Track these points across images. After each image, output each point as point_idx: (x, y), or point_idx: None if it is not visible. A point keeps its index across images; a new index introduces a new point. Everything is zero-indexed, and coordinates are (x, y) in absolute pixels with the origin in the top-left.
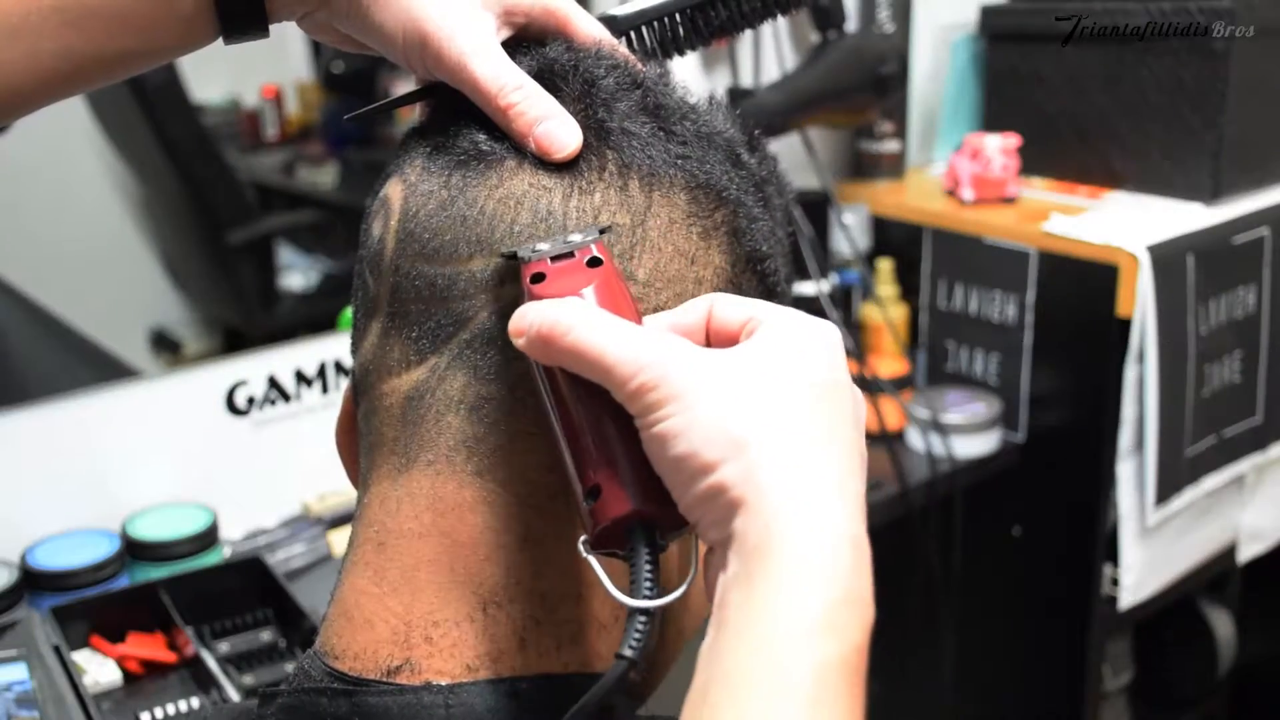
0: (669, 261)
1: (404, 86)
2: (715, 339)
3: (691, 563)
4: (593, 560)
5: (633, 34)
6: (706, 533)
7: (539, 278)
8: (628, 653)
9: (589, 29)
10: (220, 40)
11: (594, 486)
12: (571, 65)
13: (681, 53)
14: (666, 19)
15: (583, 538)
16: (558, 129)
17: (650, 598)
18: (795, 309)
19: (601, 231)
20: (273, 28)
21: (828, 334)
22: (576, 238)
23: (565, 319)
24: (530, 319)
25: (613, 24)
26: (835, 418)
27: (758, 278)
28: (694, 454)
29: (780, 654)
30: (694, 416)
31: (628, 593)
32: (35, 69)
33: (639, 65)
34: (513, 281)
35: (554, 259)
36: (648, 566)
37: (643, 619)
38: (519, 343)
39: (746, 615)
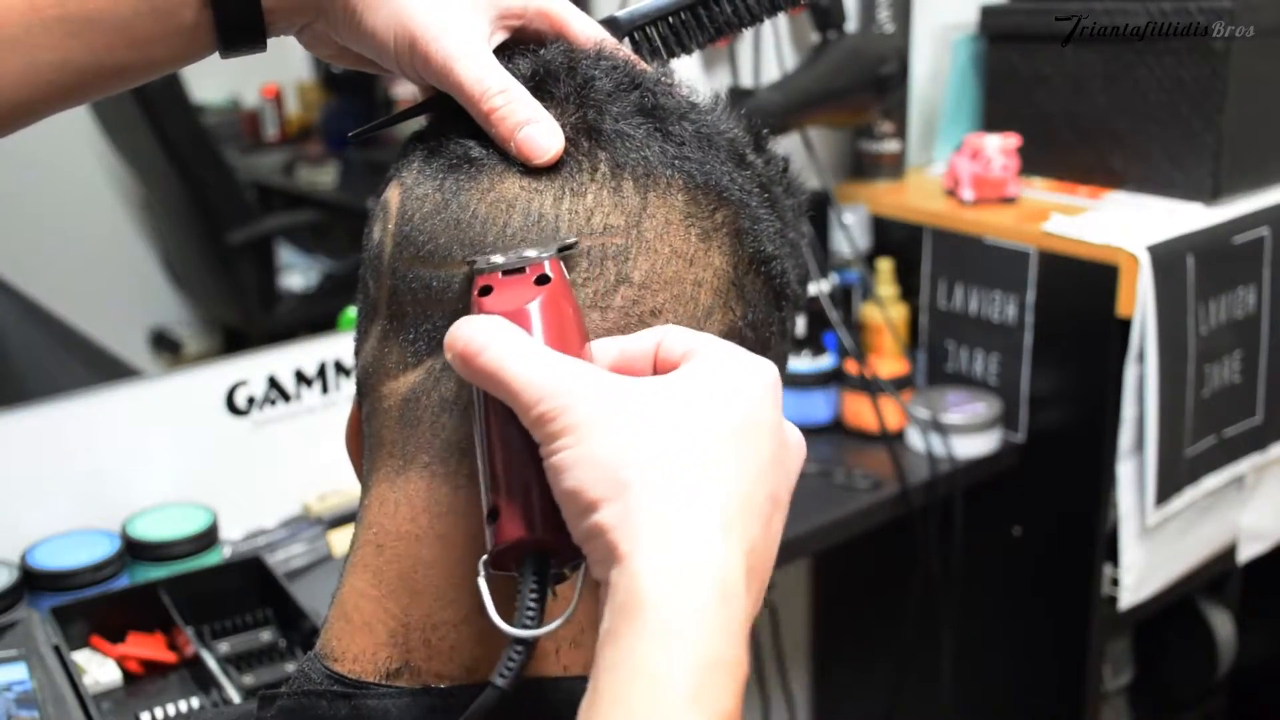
0: (666, 263)
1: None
2: (660, 369)
3: (576, 593)
4: (481, 581)
5: (636, 35)
6: (594, 569)
7: (486, 290)
8: (499, 681)
9: (586, 30)
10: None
11: (494, 508)
12: (567, 67)
13: (687, 51)
14: (669, 18)
15: (483, 558)
16: (538, 133)
17: (530, 626)
18: (737, 347)
19: (563, 248)
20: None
21: (762, 373)
22: (532, 253)
23: (481, 338)
24: (455, 334)
25: (614, 25)
26: (744, 460)
27: (763, 279)
28: (581, 490)
29: None
30: (586, 451)
31: (510, 620)
32: (34, 80)
33: (639, 66)
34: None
35: (505, 273)
36: (532, 594)
37: (518, 647)
38: (447, 356)
39: (614, 682)
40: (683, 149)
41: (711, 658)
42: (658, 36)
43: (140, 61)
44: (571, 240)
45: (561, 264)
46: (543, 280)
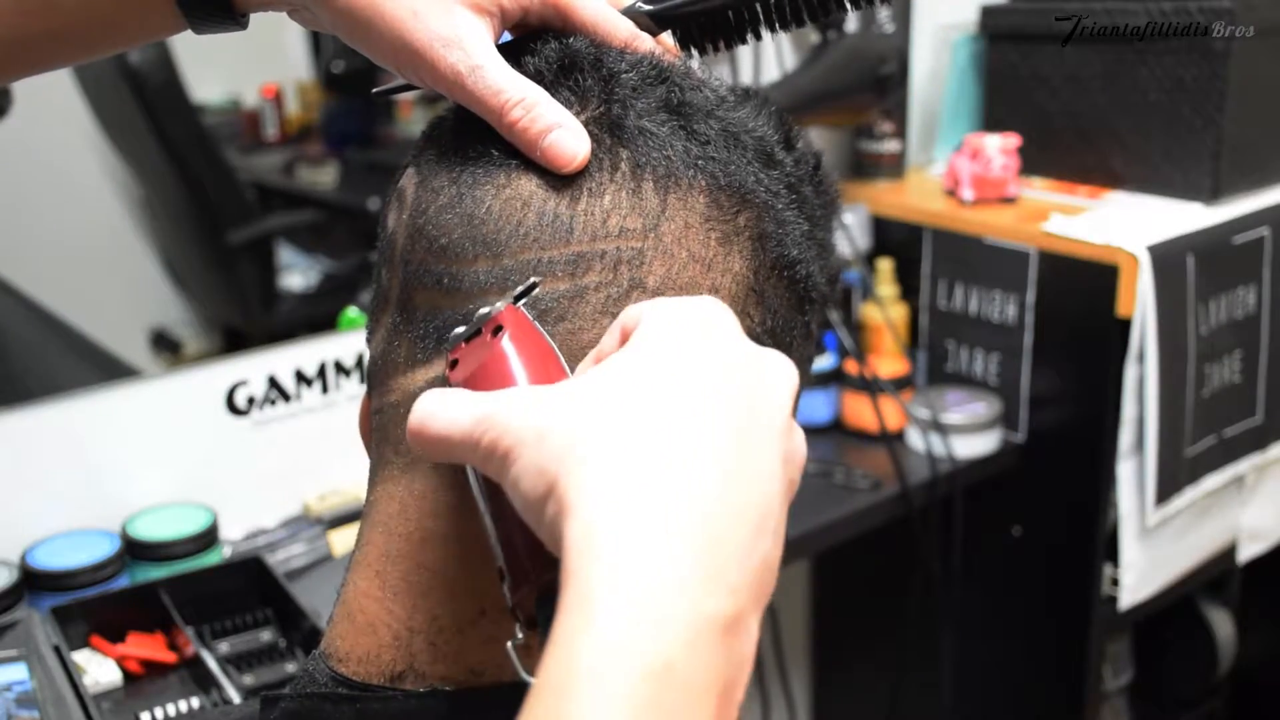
0: (682, 268)
1: None
2: None
3: None
4: (509, 649)
5: (676, 30)
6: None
7: (454, 364)
8: None
9: (590, 14)
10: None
11: (500, 570)
12: (593, 59)
13: (730, 46)
14: (705, 14)
15: (516, 624)
16: (565, 139)
17: None
18: (686, 298)
19: (519, 296)
20: (273, 28)
21: (701, 311)
22: (485, 310)
23: (420, 413)
24: (408, 425)
25: (652, 16)
26: (678, 410)
27: (786, 284)
28: (528, 497)
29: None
30: (526, 459)
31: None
32: None
33: (666, 58)
34: (517, 286)
35: (467, 340)
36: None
37: None
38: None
39: (542, 664)
40: (707, 148)
41: (651, 634)
42: (696, 30)
43: (99, 38)
44: (529, 283)
45: (521, 307)
46: (498, 331)
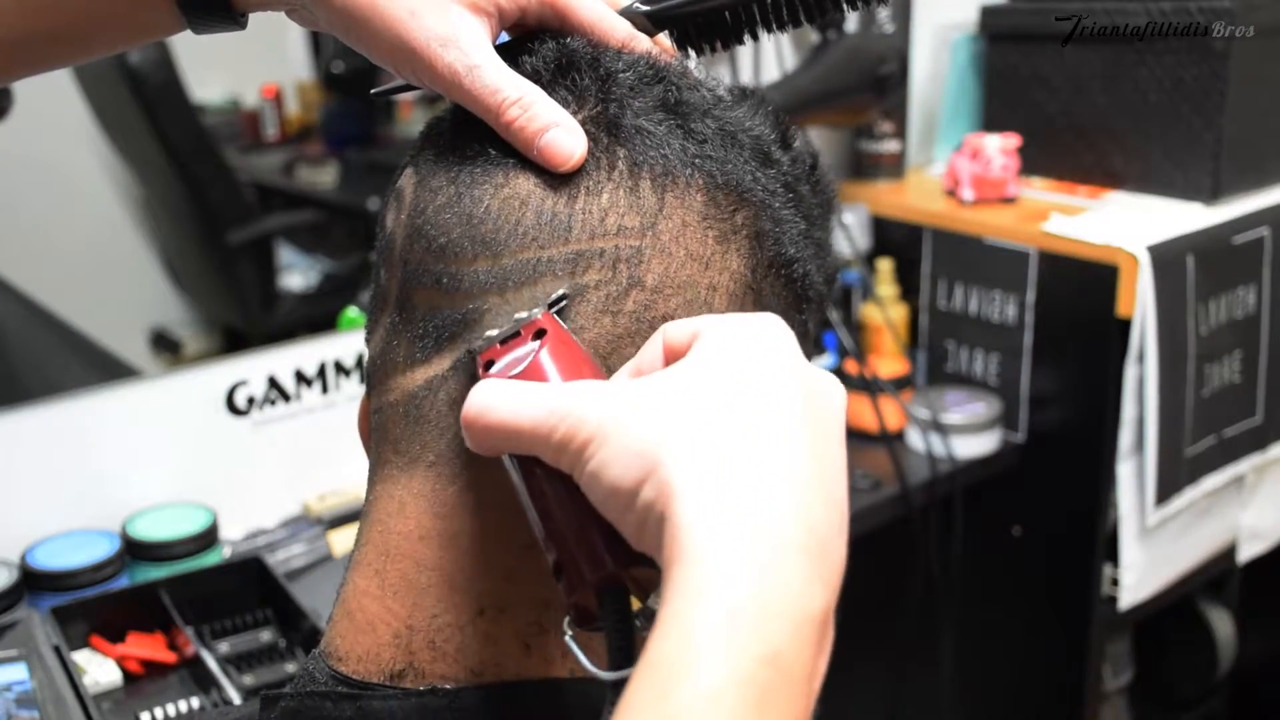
0: (680, 266)
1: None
2: (671, 363)
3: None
4: (568, 641)
5: (673, 30)
6: (658, 558)
7: (489, 365)
8: None
9: (588, 15)
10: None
11: (556, 565)
12: (590, 58)
13: (727, 47)
14: (703, 15)
15: (566, 619)
16: (561, 138)
17: (625, 666)
18: (737, 313)
19: (553, 303)
20: (273, 28)
21: (764, 326)
22: (523, 315)
23: (479, 403)
24: (464, 410)
25: (650, 17)
26: (770, 410)
27: (783, 282)
28: (618, 484)
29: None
30: (612, 448)
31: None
32: None
33: (663, 58)
34: (518, 285)
35: (503, 343)
36: (616, 634)
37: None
38: (466, 440)
39: (653, 640)
40: (704, 147)
41: (757, 604)
42: (693, 30)
43: (100, 38)
44: (561, 293)
45: (555, 315)
46: (540, 334)
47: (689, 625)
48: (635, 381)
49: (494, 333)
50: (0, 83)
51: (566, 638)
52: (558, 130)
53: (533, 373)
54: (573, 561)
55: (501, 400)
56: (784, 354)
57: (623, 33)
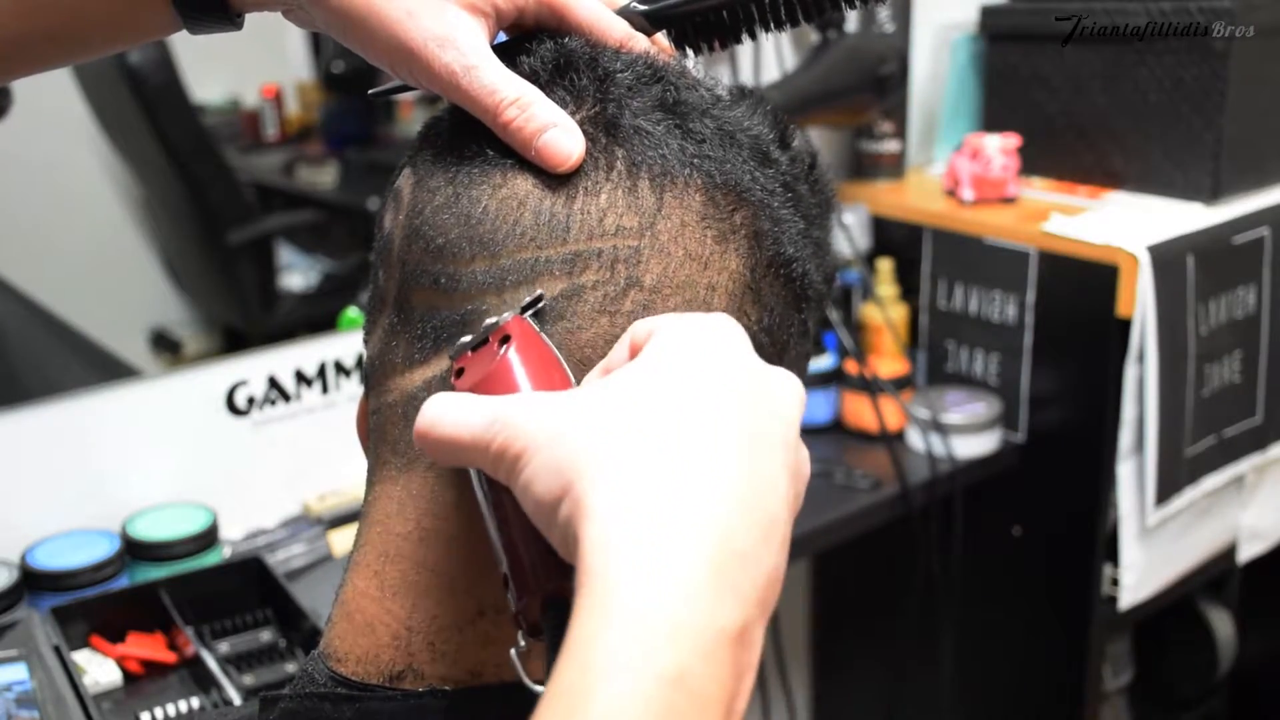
0: (679, 266)
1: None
2: None
3: None
4: (512, 653)
5: (670, 29)
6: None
7: (460, 373)
8: None
9: (586, 15)
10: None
11: (504, 577)
12: (589, 58)
13: (724, 47)
14: (700, 14)
15: (519, 631)
16: (557, 139)
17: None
18: (698, 314)
19: (525, 308)
20: (273, 28)
21: (716, 326)
22: (493, 319)
23: (428, 415)
24: (415, 427)
25: (647, 16)
26: (695, 419)
27: (783, 282)
28: (541, 499)
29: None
30: (540, 460)
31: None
32: None
33: (661, 58)
34: (515, 285)
35: (473, 350)
36: (553, 649)
37: None
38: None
39: (559, 665)
40: (703, 147)
41: (668, 630)
42: (691, 29)
43: (95, 38)
44: (536, 295)
45: (527, 318)
46: (505, 340)
47: (590, 648)
48: (578, 391)
49: (466, 339)
50: None
51: (512, 651)
52: (555, 131)
53: (495, 379)
54: (518, 573)
55: (447, 412)
56: (732, 355)
57: (621, 33)
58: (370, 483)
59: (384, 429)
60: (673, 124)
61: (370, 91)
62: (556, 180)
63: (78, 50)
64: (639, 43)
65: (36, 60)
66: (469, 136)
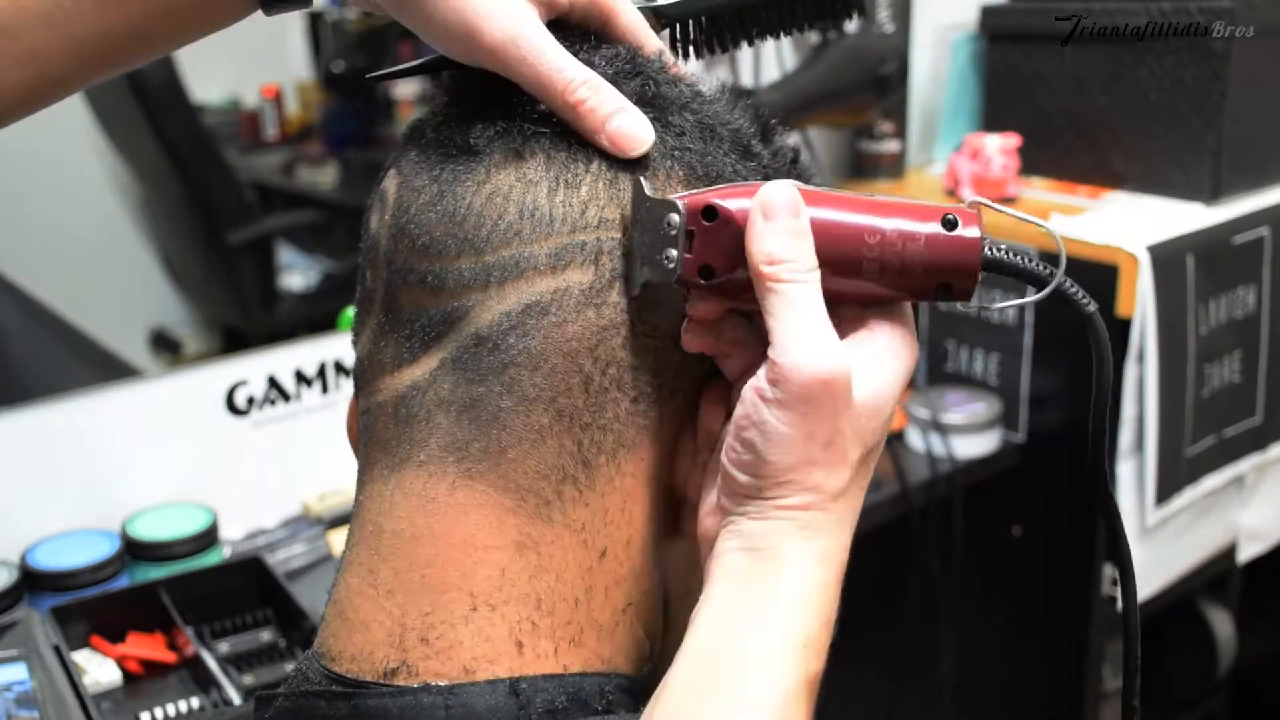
0: None
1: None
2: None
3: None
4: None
5: (677, 28)
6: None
7: (710, 211)
8: None
9: (629, 21)
10: (261, 12)
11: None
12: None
13: (724, 49)
14: (708, 16)
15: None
16: (629, 123)
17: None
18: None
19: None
20: (274, 28)
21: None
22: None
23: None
24: (761, 197)
25: (656, 15)
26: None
27: None
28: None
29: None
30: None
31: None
32: (74, 53)
33: (641, 53)
34: (500, 281)
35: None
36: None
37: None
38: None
39: (731, 617)
40: (682, 139)
41: (823, 619)
42: (698, 31)
43: (178, 27)
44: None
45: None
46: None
47: (788, 629)
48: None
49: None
50: (80, 85)
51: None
52: (626, 115)
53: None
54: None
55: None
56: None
57: (657, 45)
58: (361, 482)
59: (374, 429)
60: (651, 117)
61: (368, 76)
62: (538, 174)
63: (157, 45)
64: (669, 57)
65: (117, 59)
66: (453, 135)
